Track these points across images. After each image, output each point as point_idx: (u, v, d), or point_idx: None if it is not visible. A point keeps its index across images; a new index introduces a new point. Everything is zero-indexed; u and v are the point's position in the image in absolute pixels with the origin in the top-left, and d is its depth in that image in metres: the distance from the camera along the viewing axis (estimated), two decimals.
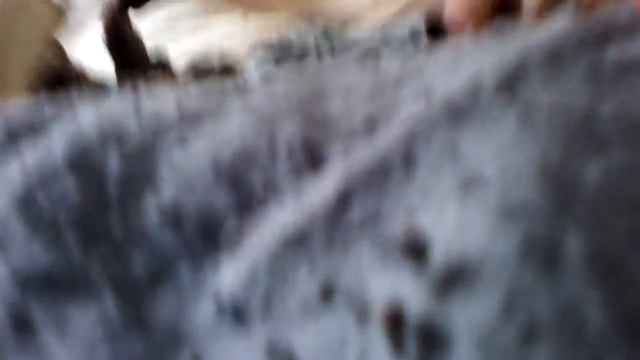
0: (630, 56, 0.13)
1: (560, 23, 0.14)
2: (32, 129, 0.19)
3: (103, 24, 0.43)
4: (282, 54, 0.34)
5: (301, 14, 1.22)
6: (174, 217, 0.15)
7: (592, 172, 0.11)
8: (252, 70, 0.37)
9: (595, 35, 0.14)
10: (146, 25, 0.98)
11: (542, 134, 0.12)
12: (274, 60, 0.34)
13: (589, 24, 0.14)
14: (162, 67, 0.40)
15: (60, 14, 0.40)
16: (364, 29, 0.36)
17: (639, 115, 0.12)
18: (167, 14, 1.03)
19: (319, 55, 0.29)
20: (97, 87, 0.37)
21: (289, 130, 0.15)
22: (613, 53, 0.13)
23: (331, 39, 0.34)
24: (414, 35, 0.30)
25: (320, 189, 0.14)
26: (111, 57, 0.44)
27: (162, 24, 0.99)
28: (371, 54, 0.21)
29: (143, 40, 0.45)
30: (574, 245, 0.10)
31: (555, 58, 0.13)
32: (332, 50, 0.32)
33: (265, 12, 1.17)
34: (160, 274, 0.15)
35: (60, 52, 0.40)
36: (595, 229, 0.10)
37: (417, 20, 0.32)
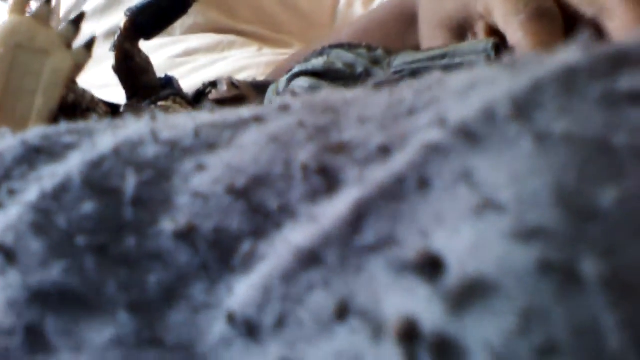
0: None
1: (572, 51, 0.14)
2: (50, 154, 0.19)
3: (115, 55, 0.44)
4: (328, 79, 0.35)
5: (312, 49, 1.23)
6: (190, 240, 0.15)
7: (608, 197, 0.11)
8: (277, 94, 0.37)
9: (607, 64, 0.14)
10: (164, 58, 1.00)
11: (557, 160, 0.12)
12: (318, 86, 0.34)
13: (601, 52, 0.14)
14: (174, 96, 0.41)
15: (80, 63, 0.41)
16: (410, 54, 0.37)
17: None
18: (184, 48, 1.05)
19: (369, 80, 0.30)
20: (111, 115, 0.38)
21: (305, 156, 0.16)
22: (626, 82, 0.13)
23: (382, 65, 0.35)
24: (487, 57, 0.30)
25: (335, 212, 0.14)
26: (123, 87, 0.45)
27: (180, 58, 1.01)
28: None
29: (154, 71, 0.46)
30: (590, 268, 0.10)
31: (568, 86, 0.14)
32: (384, 75, 0.33)
33: (279, 47, 1.19)
34: (175, 294, 0.15)
35: (72, 84, 0.41)
36: (611, 253, 0.11)
37: (485, 42, 0.33)
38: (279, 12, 1.30)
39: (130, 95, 0.44)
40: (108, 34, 1.15)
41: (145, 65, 0.44)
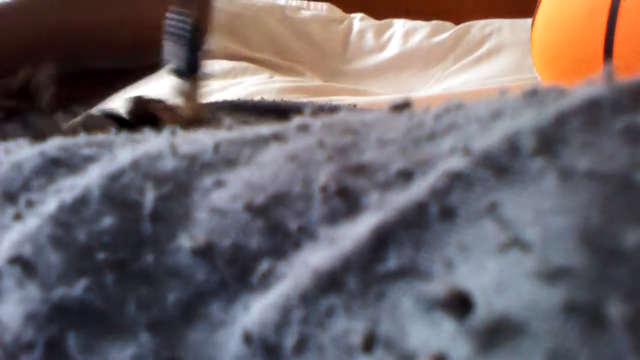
0: None
1: (596, 85, 0.15)
2: (69, 166, 0.19)
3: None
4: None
5: (323, 77, 1.25)
6: (208, 257, 0.15)
7: (632, 237, 0.11)
8: None
9: (630, 98, 0.14)
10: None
11: (581, 198, 0.12)
12: None
13: (624, 86, 0.14)
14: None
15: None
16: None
17: None
18: None
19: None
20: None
21: (324, 177, 0.15)
22: None
23: None
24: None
25: (355, 235, 0.14)
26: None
27: None
28: None
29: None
30: (615, 309, 0.10)
31: (592, 120, 0.14)
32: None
33: (291, 75, 1.20)
34: (194, 313, 0.15)
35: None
36: (636, 295, 0.10)
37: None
38: (291, 41, 1.31)
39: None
40: None
41: None
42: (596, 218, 0.12)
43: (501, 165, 0.14)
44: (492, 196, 0.13)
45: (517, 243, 0.12)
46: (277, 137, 0.18)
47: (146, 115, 0.40)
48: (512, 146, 0.14)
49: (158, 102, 0.41)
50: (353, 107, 0.48)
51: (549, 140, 0.13)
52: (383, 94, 1.07)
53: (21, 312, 0.15)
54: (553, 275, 0.11)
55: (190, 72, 0.42)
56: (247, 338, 0.14)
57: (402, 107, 0.18)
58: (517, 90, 0.16)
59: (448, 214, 0.13)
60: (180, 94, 0.42)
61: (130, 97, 0.41)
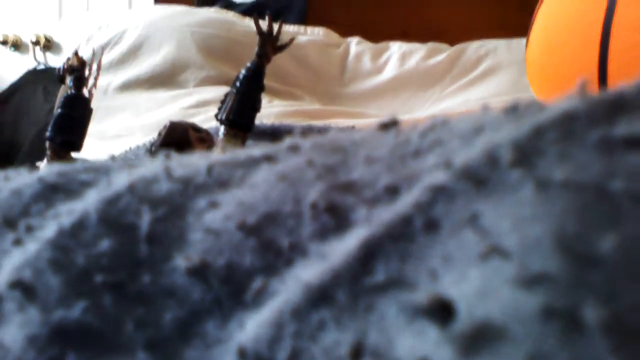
0: None
1: (572, 98, 0.15)
2: (67, 191, 0.20)
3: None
4: None
5: (322, 101, 1.25)
6: (203, 277, 0.15)
7: (607, 243, 0.11)
8: None
9: (605, 110, 0.14)
10: (178, 109, 1.02)
11: (557, 206, 0.12)
12: None
13: (599, 99, 0.15)
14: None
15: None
16: None
17: None
18: (197, 99, 1.07)
19: None
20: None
21: (314, 195, 0.16)
22: (623, 127, 0.14)
23: None
24: None
25: (344, 250, 0.14)
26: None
27: (193, 108, 1.03)
28: None
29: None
30: (592, 313, 0.11)
31: (567, 132, 0.14)
32: None
33: (289, 99, 1.21)
34: (190, 331, 0.15)
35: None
36: (612, 298, 0.11)
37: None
38: (289, 65, 1.33)
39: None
40: (122, 87, 1.18)
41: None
42: (572, 225, 0.12)
43: (481, 177, 0.14)
44: (473, 207, 0.13)
45: (496, 251, 0.12)
46: (268, 158, 0.18)
47: (180, 140, 0.40)
48: (491, 159, 0.14)
49: (197, 131, 0.42)
50: (351, 129, 0.49)
51: (527, 152, 0.14)
52: (381, 116, 1.07)
53: (22, 335, 0.16)
54: (531, 281, 0.11)
55: (242, 126, 0.43)
56: (242, 354, 0.14)
57: (389, 125, 0.19)
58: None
59: (432, 226, 0.14)
60: (225, 142, 0.42)
61: (169, 122, 0.42)
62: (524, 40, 1.01)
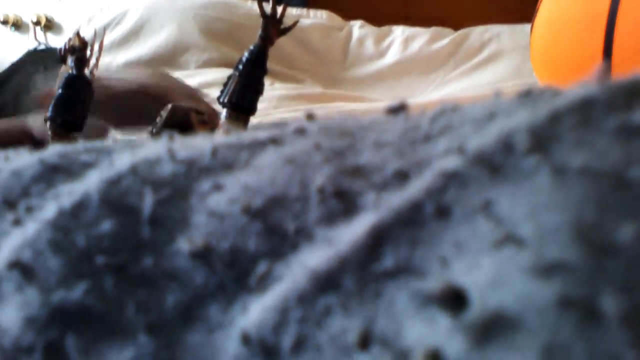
0: None
1: (590, 84, 0.15)
2: (68, 172, 0.19)
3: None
4: None
5: (324, 84, 1.25)
6: (206, 260, 0.15)
7: (626, 232, 0.11)
8: None
9: (624, 96, 0.14)
10: None
11: (575, 194, 0.12)
12: None
13: (617, 85, 0.14)
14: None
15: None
16: None
17: None
18: (199, 81, 1.07)
19: None
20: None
21: (321, 179, 0.16)
22: None
23: None
24: None
25: (352, 236, 0.14)
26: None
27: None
28: None
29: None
30: (609, 304, 0.10)
31: (585, 118, 0.14)
32: None
33: (291, 82, 1.20)
34: (192, 315, 0.15)
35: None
36: (630, 289, 0.11)
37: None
38: (291, 48, 1.32)
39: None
40: (125, 66, 1.17)
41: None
42: (590, 213, 0.12)
43: (495, 163, 0.14)
44: (487, 194, 0.13)
45: (511, 239, 0.12)
46: (274, 141, 0.18)
47: (182, 123, 0.40)
48: (506, 145, 0.14)
49: (198, 113, 0.42)
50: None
51: (543, 138, 0.14)
52: (383, 101, 1.07)
53: (20, 316, 0.16)
54: (547, 270, 0.11)
55: (245, 109, 0.43)
56: (246, 339, 0.14)
57: (398, 110, 0.19)
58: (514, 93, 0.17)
59: (443, 213, 0.13)
60: (227, 124, 0.42)
61: (170, 105, 0.42)
62: (527, 26, 1.00)
